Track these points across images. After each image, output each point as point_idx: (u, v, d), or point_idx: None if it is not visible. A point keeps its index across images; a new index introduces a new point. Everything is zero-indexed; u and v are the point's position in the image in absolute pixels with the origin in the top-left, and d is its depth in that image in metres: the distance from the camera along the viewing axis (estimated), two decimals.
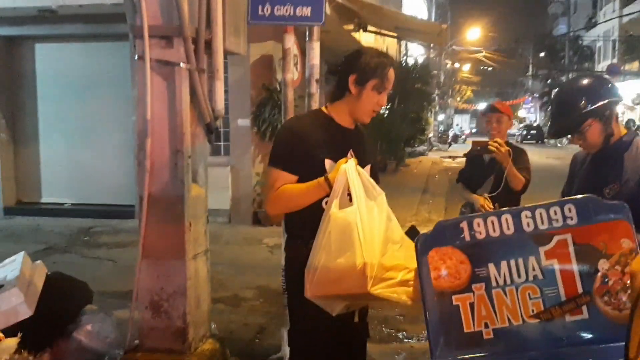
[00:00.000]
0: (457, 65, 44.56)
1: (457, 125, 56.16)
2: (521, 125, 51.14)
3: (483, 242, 1.85)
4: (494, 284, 1.84)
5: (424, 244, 1.87)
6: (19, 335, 3.11)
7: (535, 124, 49.33)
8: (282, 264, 3.61)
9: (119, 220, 9.27)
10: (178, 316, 3.36)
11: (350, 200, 2.38)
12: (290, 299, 2.69)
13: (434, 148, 30.57)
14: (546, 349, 1.79)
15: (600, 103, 2.44)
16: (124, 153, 9.65)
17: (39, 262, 3.89)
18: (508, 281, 1.83)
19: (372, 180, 2.44)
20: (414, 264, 2.36)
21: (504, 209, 1.86)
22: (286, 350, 3.71)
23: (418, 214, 10.54)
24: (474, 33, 19.97)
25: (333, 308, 2.43)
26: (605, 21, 30.02)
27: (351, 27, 11.31)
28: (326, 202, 2.45)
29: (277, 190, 2.51)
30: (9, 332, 3.19)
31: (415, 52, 27.34)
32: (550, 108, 2.74)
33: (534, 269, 1.83)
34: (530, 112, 61.43)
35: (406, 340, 4.83)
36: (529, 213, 1.84)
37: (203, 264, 3.55)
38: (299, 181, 2.51)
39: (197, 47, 3.35)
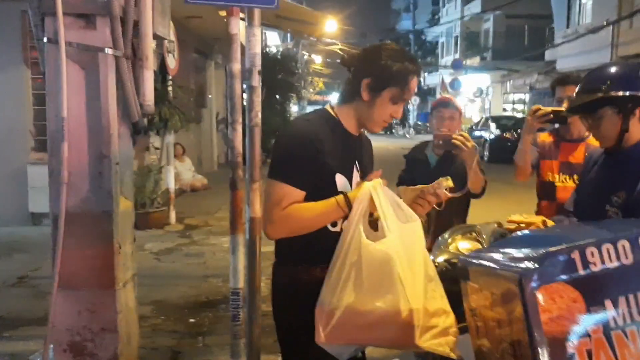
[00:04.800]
0: (311, 56, 44.91)
1: None
2: None
3: (598, 275, 1.52)
4: (612, 324, 1.53)
5: (531, 280, 1.50)
6: None
7: None
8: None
9: None
10: (107, 358, 2.75)
11: (371, 226, 1.99)
12: (281, 334, 2.23)
13: None
14: None
15: (623, 93, 2.19)
16: None
17: None
18: (628, 320, 1.54)
19: (403, 204, 2.03)
20: (448, 306, 2.02)
21: (617, 235, 1.54)
22: None
23: None
24: (332, 25, 20.06)
25: (344, 354, 2.03)
26: (447, 22, 31.77)
27: (225, 12, 10.68)
28: (333, 225, 2.05)
29: (284, 210, 2.03)
30: None
31: (271, 42, 26.87)
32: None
33: None
34: None
35: None
36: None
37: (132, 292, 2.95)
38: (306, 198, 2.06)
39: (125, 29, 2.75)
